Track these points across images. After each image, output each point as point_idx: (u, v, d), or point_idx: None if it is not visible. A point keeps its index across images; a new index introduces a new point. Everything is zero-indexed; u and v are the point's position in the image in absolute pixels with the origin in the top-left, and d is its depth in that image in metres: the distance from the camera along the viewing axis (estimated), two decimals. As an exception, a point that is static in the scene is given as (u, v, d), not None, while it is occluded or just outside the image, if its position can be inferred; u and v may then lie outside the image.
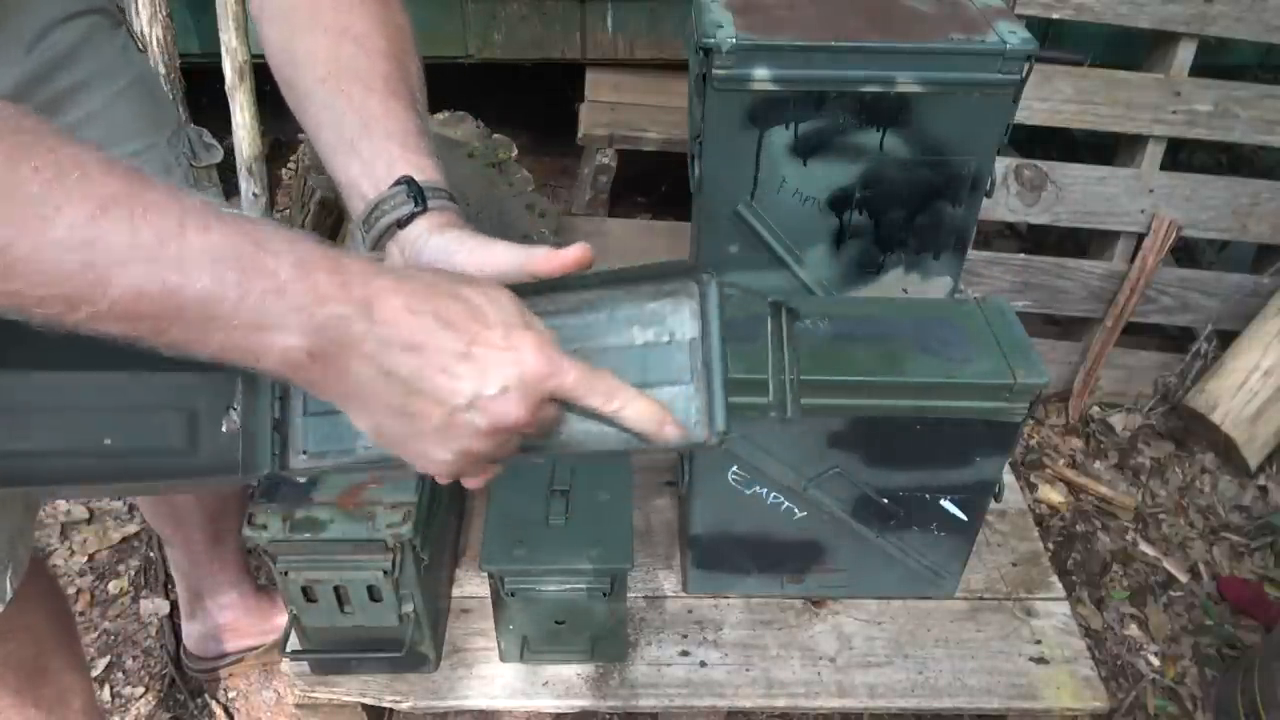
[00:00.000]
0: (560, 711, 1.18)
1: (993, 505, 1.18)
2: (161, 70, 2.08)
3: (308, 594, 1.03)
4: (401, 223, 0.65)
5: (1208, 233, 1.99)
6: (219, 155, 1.12)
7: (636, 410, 0.57)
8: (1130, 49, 2.10)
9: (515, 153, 2.27)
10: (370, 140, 0.67)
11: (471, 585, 1.29)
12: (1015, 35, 1.13)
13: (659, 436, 0.57)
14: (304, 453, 0.64)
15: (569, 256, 0.58)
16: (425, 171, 0.67)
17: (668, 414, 0.58)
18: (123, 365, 0.68)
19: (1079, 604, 1.74)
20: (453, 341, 0.51)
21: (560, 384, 0.54)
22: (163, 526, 1.41)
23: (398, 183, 0.65)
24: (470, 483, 0.60)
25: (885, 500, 1.15)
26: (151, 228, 0.47)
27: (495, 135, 2.26)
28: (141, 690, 1.58)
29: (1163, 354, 2.11)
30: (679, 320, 0.59)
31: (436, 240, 0.64)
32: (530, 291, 0.59)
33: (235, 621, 1.52)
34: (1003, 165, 1.91)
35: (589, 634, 1.15)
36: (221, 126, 2.13)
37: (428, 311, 0.51)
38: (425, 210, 0.65)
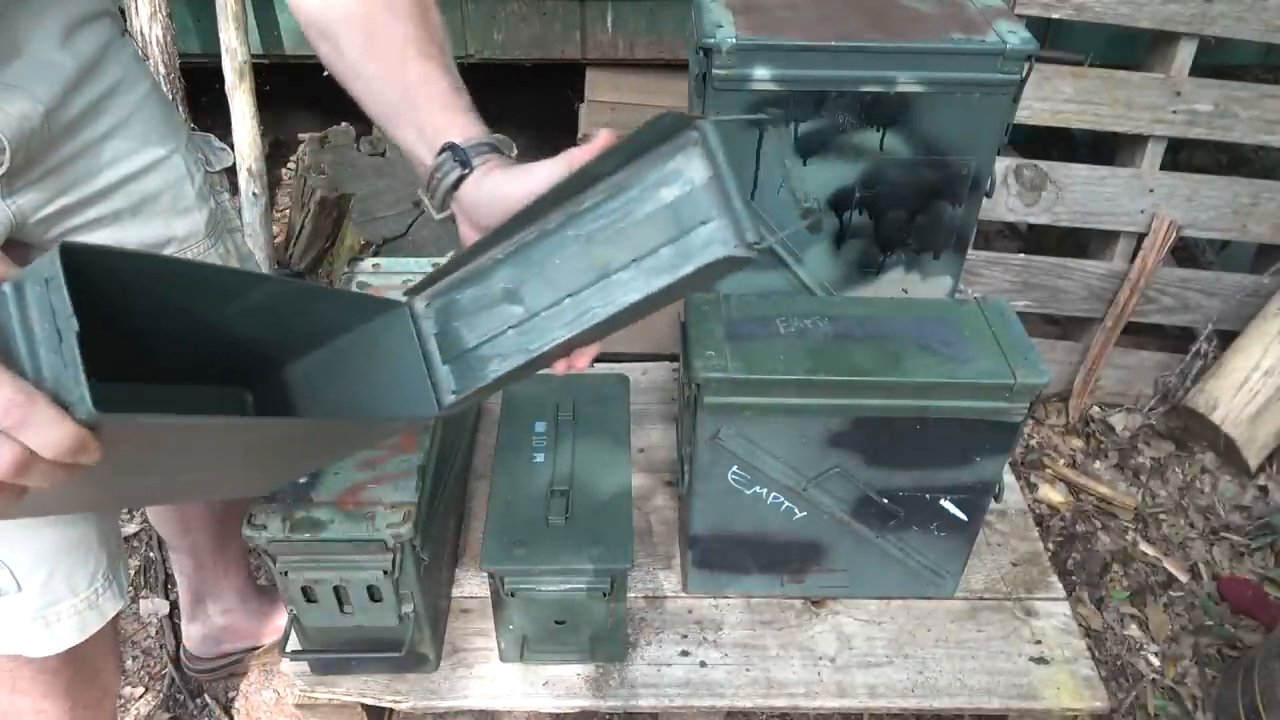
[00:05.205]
0: (560, 711, 1.18)
1: (993, 505, 1.18)
2: (161, 70, 2.08)
3: (308, 594, 1.03)
4: (454, 186, 0.71)
5: (1208, 233, 1.99)
6: (230, 159, 1.12)
7: None
8: (1130, 49, 2.10)
9: (515, 153, 2.26)
10: (415, 111, 0.74)
11: (471, 585, 1.29)
12: (1015, 35, 1.13)
13: None
14: (453, 393, 0.72)
15: (600, 143, 0.65)
16: (465, 130, 0.73)
17: None
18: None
19: (1079, 604, 1.74)
20: None
21: None
22: (169, 531, 1.40)
23: (442, 150, 0.71)
24: None
25: (885, 500, 1.15)
26: None
27: (495, 135, 2.26)
28: (141, 690, 1.58)
29: (1163, 354, 2.11)
30: (693, 167, 0.66)
31: (486, 187, 0.69)
32: (573, 190, 0.66)
33: (236, 623, 1.52)
34: (1003, 165, 1.91)
35: (589, 634, 1.15)
36: (222, 126, 2.13)
37: None
38: (471, 170, 0.71)
